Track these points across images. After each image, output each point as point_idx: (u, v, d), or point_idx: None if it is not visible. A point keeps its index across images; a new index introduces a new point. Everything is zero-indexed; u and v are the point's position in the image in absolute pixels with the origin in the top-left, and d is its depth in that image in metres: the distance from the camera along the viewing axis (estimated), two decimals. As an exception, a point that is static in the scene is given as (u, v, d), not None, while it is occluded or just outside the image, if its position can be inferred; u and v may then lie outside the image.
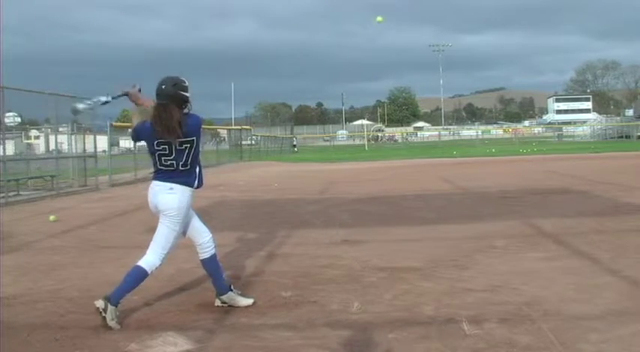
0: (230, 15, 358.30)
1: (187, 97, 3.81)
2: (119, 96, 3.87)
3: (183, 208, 3.82)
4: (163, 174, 3.84)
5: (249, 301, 4.07)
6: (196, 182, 3.90)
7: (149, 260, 3.80)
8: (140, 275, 3.78)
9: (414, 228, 7.41)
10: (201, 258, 4.03)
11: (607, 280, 4.43)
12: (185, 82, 3.83)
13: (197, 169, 3.91)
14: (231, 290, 4.08)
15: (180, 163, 3.79)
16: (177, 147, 3.75)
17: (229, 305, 4.03)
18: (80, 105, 3.93)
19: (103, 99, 3.84)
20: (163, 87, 3.75)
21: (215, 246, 4.05)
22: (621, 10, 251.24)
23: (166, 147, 3.76)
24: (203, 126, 4.04)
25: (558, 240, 6.10)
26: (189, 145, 3.79)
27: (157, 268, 3.85)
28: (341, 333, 3.45)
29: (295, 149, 56.45)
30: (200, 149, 3.94)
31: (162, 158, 3.80)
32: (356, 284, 4.57)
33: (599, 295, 4.02)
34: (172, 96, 3.75)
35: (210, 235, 4.03)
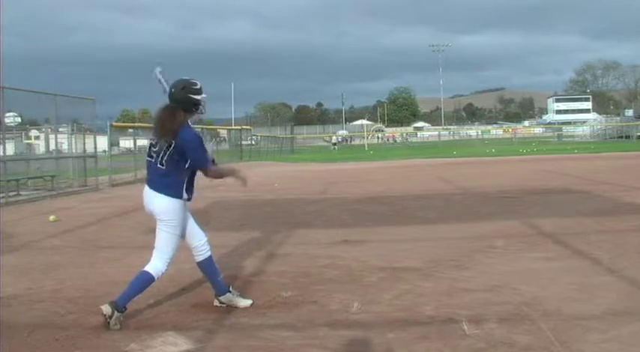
0: (229, 15, 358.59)
1: (198, 100, 3.78)
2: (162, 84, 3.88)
3: (174, 212, 3.76)
4: (151, 179, 3.83)
5: (248, 302, 4.07)
6: (184, 194, 3.81)
7: (155, 265, 3.79)
8: (146, 280, 3.78)
9: (414, 228, 7.41)
10: (196, 261, 4.03)
11: (607, 280, 4.43)
12: (196, 85, 3.79)
13: (184, 180, 3.80)
14: (230, 292, 4.08)
15: (163, 169, 3.74)
16: (167, 153, 3.71)
17: (228, 306, 4.03)
18: (159, 71, 3.92)
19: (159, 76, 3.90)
20: (173, 90, 3.76)
21: (210, 249, 4.02)
22: (619, 11, 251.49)
23: (157, 151, 3.75)
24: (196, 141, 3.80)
25: (558, 240, 6.10)
26: (173, 153, 3.72)
27: (163, 273, 3.83)
28: (341, 333, 3.45)
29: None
30: (192, 163, 3.78)
31: (152, 162, 3.79)
32: (356, 284, 4.57)
33: (599, 295, 4.02)
34: (181, 100, 3.74)
35: (205, 239, 3.99)
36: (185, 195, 3.80)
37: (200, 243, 3.96)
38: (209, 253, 4.00)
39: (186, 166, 3.77)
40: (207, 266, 4.02)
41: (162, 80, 3.88)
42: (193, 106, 3.78)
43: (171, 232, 3.80)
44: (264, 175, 19.54)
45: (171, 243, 3.81)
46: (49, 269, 5.47)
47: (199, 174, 3.89)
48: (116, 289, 4.03)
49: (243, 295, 4.18)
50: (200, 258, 3.99)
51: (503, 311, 3.73)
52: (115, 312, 3.62)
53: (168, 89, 3.81)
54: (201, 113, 3.88)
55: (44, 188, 13.98)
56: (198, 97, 3.77)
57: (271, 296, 4.29)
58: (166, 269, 3.84)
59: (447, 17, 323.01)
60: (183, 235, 3.93)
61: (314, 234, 7.10)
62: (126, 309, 3.70)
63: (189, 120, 3.81)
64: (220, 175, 4.04)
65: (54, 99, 13.92)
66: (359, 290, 4.40)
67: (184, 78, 3.83)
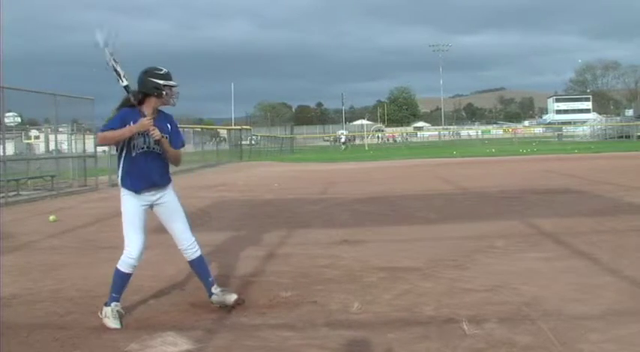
0: (228, 15, 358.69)
1: (158, 84, 3.73)
2: (126, 91, 3.76)
3: (122, 198, 3.81)
4: None
5: (233, 296, 3.98)
6: (120, 181, 3.83)
7: (120, 259, 3.82)
8: (119, 276, 3.82)
9: (414, 228, 7.41)
10: (187, 260, 4.05)
11: (607, 280, 4.43)
12: (161, 70, 3.77)
13: (120, 166, 3.82)
14: (214, 293, 4.02)
15: None
16: None
17: (221, 306, 3.99)
18: (110, 54, 3.72)
19: (123, 81, 3.73)
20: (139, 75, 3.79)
21: (200, 249, 4.00)
22: (619, 11, 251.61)
23: None
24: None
25: (558, 240, 6.10)
26: None
27: (130, 264, 3.78)
28: (341, 333, 3.45)
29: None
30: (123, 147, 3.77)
31: None
32: (356, 284, 4.57)
33: (599, 295, 4.02)
34: (140, 83, 3.77)
35: (191, 240, 3.96)
36: (120, 182, 3.81)
37: (185, 246, 3.96)
38: (198, 253, 3.99)
39: (117, 150, 3.82)
40: (195, 265, 4.03)
41: (117, 65, 3.70)
42: (154, 90, 3.74)
43: (123, 220, 3.80)
44: (264, 175, 19.54)
45: (126, 232, 3.79)
46: (48, 269, 5.47)
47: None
48: (116, 289, 4.03)
49: (226, 289, 4.12)
50: (189, 259, 4.02)
51: (503, 311, 3.73)
52: (103, 306, 3.75)
53: (123, 78, 3.75)
54: (168, 103, 3.81)
55: (44, 188, 13.99)
56: (159, 81, 3.73)
57: (271, 296, 4.29)
58: (132, 260, 3.75)
59: (447, 17, 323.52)
60: (143, 229, 3.83)
61: (314, 234, 7.10)
62: (117, 305, 3.74)
63: (157, 107, 3.80)
64: (109, 140, 3.80)
65: (54, 99, 13.92)
66: (359, 290, 4.39)
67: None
